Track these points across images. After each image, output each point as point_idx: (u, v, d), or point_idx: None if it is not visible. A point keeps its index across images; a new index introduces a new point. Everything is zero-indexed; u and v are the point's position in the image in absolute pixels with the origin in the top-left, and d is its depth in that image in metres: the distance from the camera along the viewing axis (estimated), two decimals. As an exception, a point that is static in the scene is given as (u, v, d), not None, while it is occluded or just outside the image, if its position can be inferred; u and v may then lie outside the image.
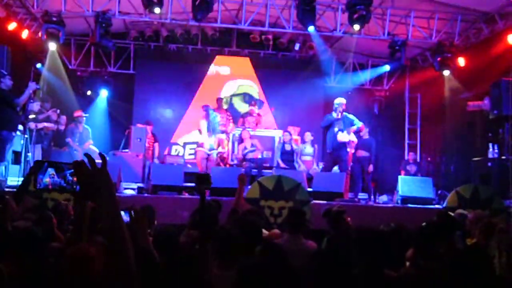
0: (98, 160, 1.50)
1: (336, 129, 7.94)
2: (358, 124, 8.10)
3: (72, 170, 1.72)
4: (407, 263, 3.52)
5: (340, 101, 8.20)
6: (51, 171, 1.81)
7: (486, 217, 4.79)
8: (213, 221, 3.65)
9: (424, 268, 3.27)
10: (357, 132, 8.38)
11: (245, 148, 8.92)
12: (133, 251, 1.43)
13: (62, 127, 9.00)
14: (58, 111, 8.97)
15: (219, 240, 3.01)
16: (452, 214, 4.94)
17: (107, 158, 6.56)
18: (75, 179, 1.80)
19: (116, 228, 1.40)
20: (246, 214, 4.19)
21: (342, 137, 7.87)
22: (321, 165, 9.53)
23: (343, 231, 4.32)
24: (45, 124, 8.33)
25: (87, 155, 1.50)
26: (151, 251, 2.35)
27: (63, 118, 8.99)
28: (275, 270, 2.79)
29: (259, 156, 8.86)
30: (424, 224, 3.86)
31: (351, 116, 8.39)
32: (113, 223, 1.40)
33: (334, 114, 8.04)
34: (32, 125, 7.84)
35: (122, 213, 2.69)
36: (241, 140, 9.11)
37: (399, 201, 7.41)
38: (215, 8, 8.86)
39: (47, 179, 1.80)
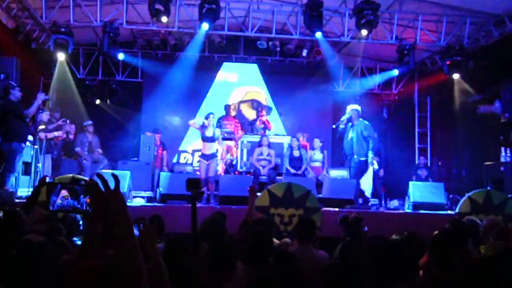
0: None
1: (348, 136, 7.73)
2: (369, 147, 7.58)
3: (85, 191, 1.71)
4: (421, 272, 3.45)
5: (350, 107, 7.91)
6: (64, 193, 1.80)
7: (500, 224, 4.71)
8: (219, 231, 3.62)
9: (438, 278, 3.21)
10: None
11: (261, 153, 8.86)
12: (145, 272, 1.40)
13: (71, 136, 9.04)
14: (68, 121, 9.00)
15: (223, 251, 2.98)
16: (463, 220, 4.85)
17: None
18: (88, 200, 1.78)
19: (130, 251, 1.36)
20: (255, 224, 4.15)
21: (369, 172, 7.57)
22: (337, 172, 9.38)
23: (359, 239, 4.28)
24: (55, 133, 8.36)
25: (99, 175, 1.47)
26: (161, 264, 2.32)
27: (72, 127, 9.03)
28: (287, 282, 2.75)
29: (271, 166, 8.77)
30: (437, 232, 3.79)
31: (364, 124, 7.91)
32: (126, 246, 1.36)
33: (342, 125, 7.76)
34: (42, 135, 7.87)
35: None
36: (259, 145, 9.04)
37: (410, 207, 7.31)
38: (222, 16, 8.87)
39: (59, 201, 1.79)
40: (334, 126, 7.91)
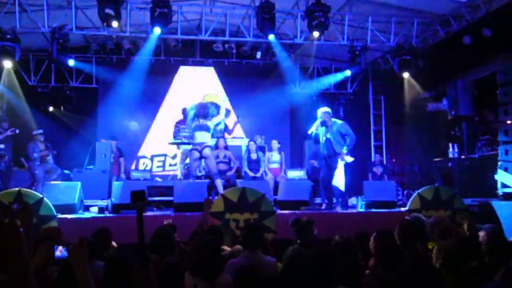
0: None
1: (324, 138, 7.61)
2: (346, 143, 7.48)
3: None
4: (367, 273, 3.52)
5: (321, 111, 7.70)
6: None
7: (445, 221, 4.87)
8: (168, 244, 3.59)
9: (383, 279, 3.28)
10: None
11: (218, 156, 8.78)
12: None
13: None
14: (17, 130, 8.70)
15: (173, 268, 2.96)
16: (408, 217, 4.98)
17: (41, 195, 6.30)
18: None
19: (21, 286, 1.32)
20: (207, 233, 4.13)
21: (339, 167, 7.50)
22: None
23: (309, 242, 4.34)
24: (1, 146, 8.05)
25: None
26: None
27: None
28: None
29: (232, 172, 8.70)
30: (383, 232, 3.86)
31: (339, 124, 7.72)
32: (19, 282, 1.32)
33: (314, 127, 7.67)
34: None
35: (61, 247, 2.61)
36: (216, 147, 8.96)
37: (363, 206, 7.46)
38: (175, 19, 8.78)
39: None
40: (309, 133, 7.78)
